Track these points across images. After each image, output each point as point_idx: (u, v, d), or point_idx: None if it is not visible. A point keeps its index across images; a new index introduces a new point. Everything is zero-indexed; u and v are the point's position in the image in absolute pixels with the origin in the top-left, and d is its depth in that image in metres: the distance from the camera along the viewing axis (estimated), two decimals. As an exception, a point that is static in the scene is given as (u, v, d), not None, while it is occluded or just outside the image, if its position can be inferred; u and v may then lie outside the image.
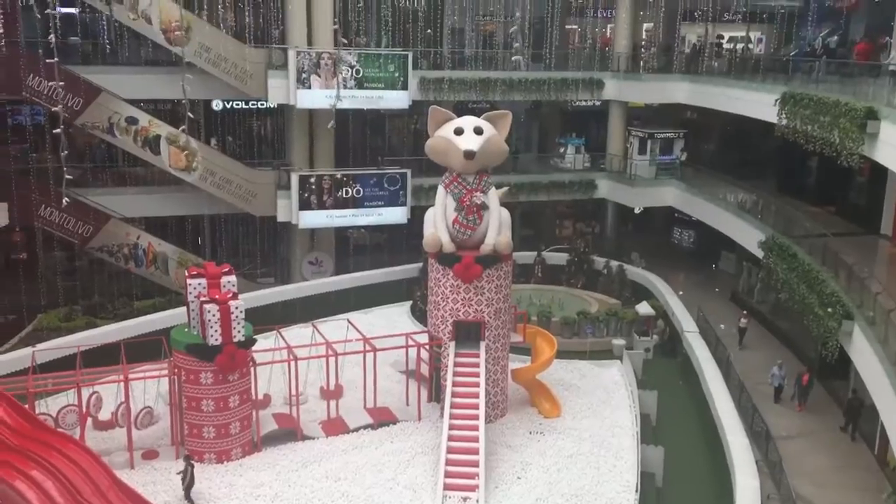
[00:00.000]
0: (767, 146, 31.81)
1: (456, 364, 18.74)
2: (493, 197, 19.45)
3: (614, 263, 31.18)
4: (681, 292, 28.32)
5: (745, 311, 27.93)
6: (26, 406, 15.18)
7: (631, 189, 33.37)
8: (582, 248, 32.34)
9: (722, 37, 37.55)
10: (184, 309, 18.58)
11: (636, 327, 25.97)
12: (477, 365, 18.67)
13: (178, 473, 15.84)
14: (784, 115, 22.78)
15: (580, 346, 24.98)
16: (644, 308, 26.28)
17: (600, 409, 20.41)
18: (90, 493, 13.12)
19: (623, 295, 29.52)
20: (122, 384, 17.15)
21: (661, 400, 21.11)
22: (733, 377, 22.68)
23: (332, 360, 19.42)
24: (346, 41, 29.27)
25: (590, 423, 19.56)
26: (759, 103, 25.21)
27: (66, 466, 13.24)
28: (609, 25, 37.68)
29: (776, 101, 23.22)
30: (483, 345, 19.04)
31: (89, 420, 17.52)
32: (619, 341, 25.07)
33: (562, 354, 21.74)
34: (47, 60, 25.00)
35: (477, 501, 15.83)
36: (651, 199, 33.62)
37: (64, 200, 22.95)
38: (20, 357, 20.44)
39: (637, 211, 34.35)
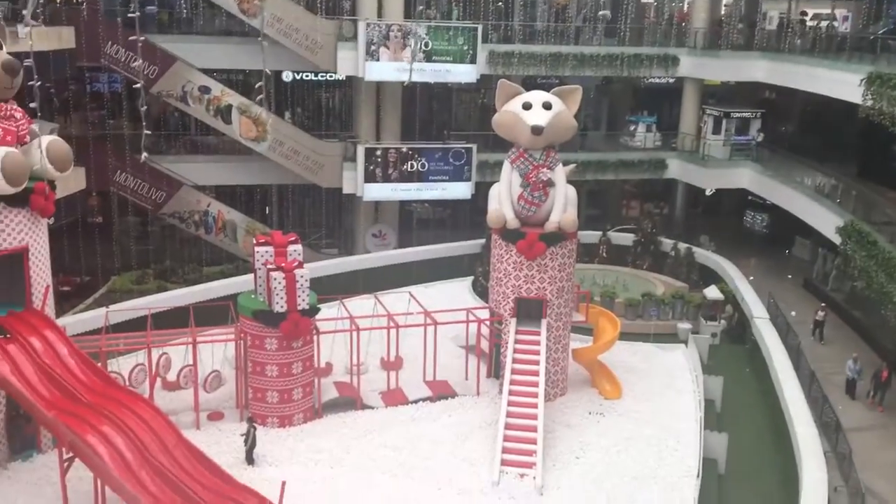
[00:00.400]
0: (849, 128, 30.54)
1: (516, 341, 18.62)
2: (560, 174, 19.13)
3: (682, 246, 30.46)
4: (751, 277, 27.52)
5: (823, 304, 26.75)
6: (99, 364, 15.72)
7: (703, 170, 32.51)
8: (649, 228, 31.67)
9: (805, 13, 36.11)
10: (251, 276, 18.90)
11: (703, 311, 25.35)
12: (537, 343, 18.51)
13: (242, 435, 16.19)
14: (869, 96, 21.81)
15: (644, 329, 24.53)
16: (712, 292, 25.62)
17: (663, 392, 20.04)
18: (157, 449, 13.53)
19: (691, 278, 28.85)
20: (190, 346, 17.60)
21: (726, 386, 20.60)
22: (803, 366, 21.96)
23: (393, 331, 19.54)
24: None
25: (651, 407, 19.22)
26: (842, 83, 24.17)
27: (135, 423, 13.67)
28: (687, 0, 36.59)
29: (861, 81, 22.21)
30: (545, 323, 18.86)
31: (158, 380, 18.05)
32: (684, 325, 24.55)
33: (625, 336, 21.36)
34: (129, 14, 25.38)
35: (534, 478, 15.74)
36: (724, 181, 32.69)
37: (143, 155, 23.39)
38: (94, 317, 21.15)
39: (708, 192, 33.46)
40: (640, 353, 22.48)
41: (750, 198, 35.44)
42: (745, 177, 32.16)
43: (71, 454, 13.45)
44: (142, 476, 13.04)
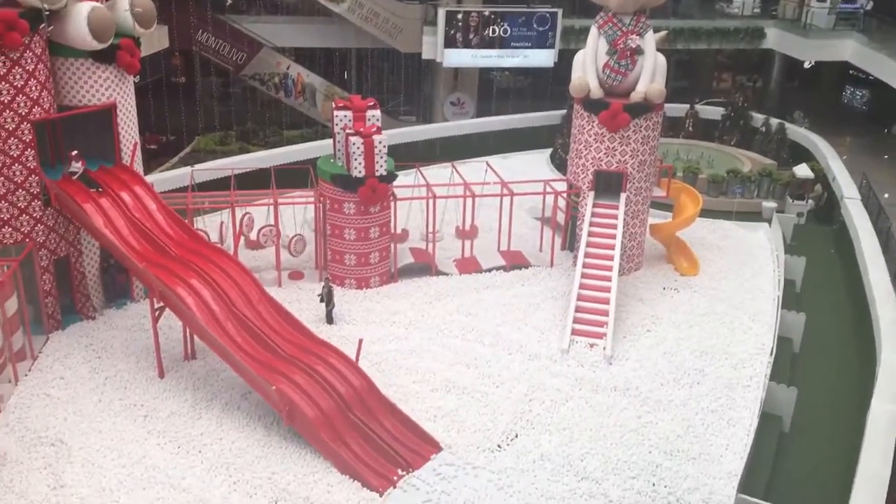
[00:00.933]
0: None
1: (593, 214, 18.40)
2: (650, 41, 18.20)
3: (774, 121, 29.10)
4: (844, 157, 26.21)
5: None
6: (186, 221, 16.30)
7: (804, 40, 30.49)
8: (740, 102, 30.23)
9: None
10: (329, 141, 19.00)
11: (791, 190, 24.42)
12: (615, 216, 18.26)
13: (318, 295, 16.74)
14: None
15: (727, 206, 23.89)
16: (802, 170, 24.57)
17: (741, 270, 19.68)
18: (242, 304, 14.16)
19: (780, 155, 27.70)
20: (271, 207, 18.05)
21: (809, 267, 20.07)
22: (893, 250, 21.13)
23: (469, 200, 19.56)
24: None
25: (728, 284, 18.96)
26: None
27: (221, 278, 14.28)
28: None
29: None
30: (623, 197, 18.52)
31: (241, 239, 18.69)
32: (769, 203, 23.76)
33: (706, 213, 20.90)
34: None
35: (604, 349, 15.94)
36: (825, 53, 30.65)
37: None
38: (180, 175, 21.83)
39: (807, 65, 31.55)
40: (721, 231, 22.00)
41: (851, 72, 33.24)
42: (849, 48, 30.05)
43: (161, 304, 14.20)
44: (227, 327, 13.74)
